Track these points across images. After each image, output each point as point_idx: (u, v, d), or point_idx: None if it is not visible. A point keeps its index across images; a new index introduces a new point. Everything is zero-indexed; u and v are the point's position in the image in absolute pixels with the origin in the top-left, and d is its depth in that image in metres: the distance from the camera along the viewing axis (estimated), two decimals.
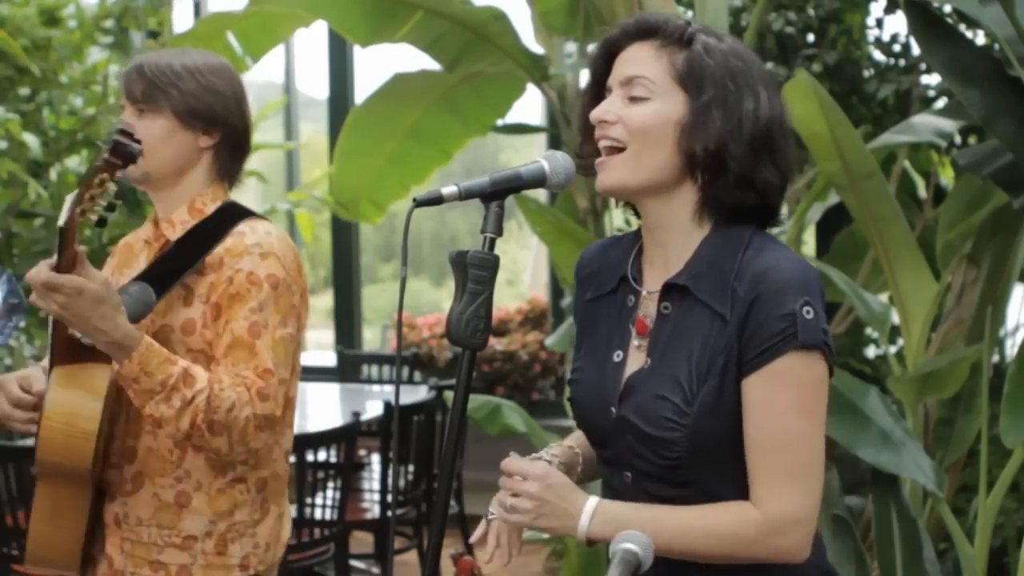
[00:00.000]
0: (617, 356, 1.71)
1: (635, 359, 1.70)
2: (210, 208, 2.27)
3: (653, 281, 1.71)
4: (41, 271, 1.98)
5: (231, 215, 2.27)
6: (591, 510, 1.62)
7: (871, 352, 5.04)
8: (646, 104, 1.64)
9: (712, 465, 1.62)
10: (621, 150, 1.66)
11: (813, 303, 1.58)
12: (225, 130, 2.28)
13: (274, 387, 2.14)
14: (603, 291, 1.77)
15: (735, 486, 1.62)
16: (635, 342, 1.70)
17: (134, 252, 2.36)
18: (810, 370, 1.58)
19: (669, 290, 1.67)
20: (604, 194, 1.71)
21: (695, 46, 1.64)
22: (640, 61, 1.66)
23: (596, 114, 1.67)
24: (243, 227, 2.24)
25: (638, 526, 1.54)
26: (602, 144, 1.68)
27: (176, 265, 2.21)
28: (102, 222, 2.00)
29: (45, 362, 2.34)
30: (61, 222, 1.95)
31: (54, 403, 2.11)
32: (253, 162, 6.03)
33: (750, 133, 1.62)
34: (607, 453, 1.72)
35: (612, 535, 1.53)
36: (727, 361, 1.59)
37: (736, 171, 1.62)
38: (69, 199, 1.99)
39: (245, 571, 2.25)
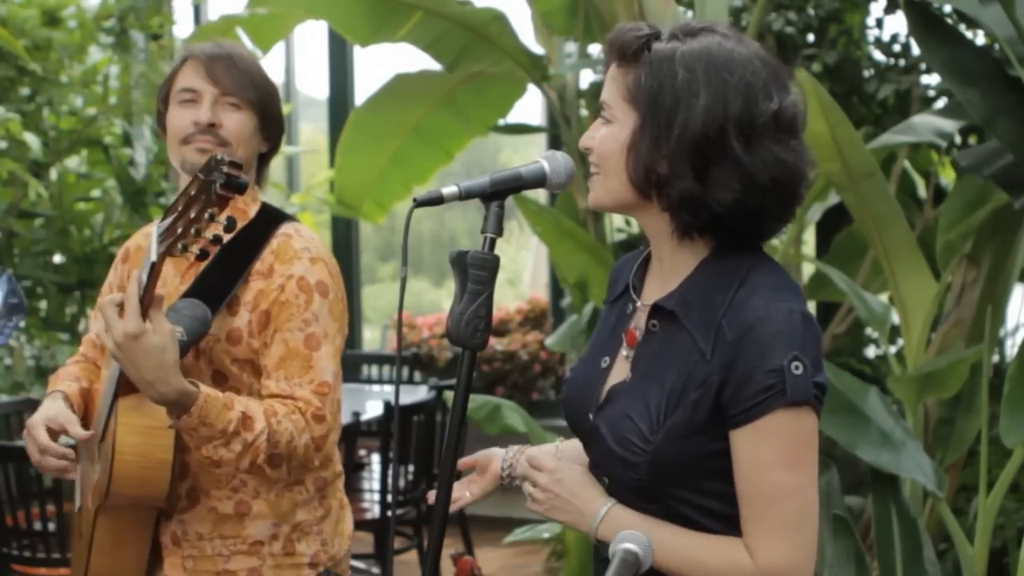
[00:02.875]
0: (604, 362, 1.71)
1: (620, 369, 1.69)
2: (252, 209, 2.22)
3: (649, 293, 1.70)
4: (107, 303, 1.92)
5: (272, 218, 2.22)
6: (602, 514, 1.63)
7: (871, 352, 5.04)
8: (607, 128, 1.63)
9: (673, 490, 1.61)
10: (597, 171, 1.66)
11: (802, 356, 1.53)
12: (278, 139, 2.27)
13: (330, 403, 2.11)
14: (613, 297, 1.78)
15: (698, 510, 1.62)
16: (623, 352, 1.70)
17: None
18: (799, 425, 1.56)
19: (659, 310, 1.65)
20: (593, 208, 1.72)
21: (642, 60, 1.59)
22: (607, 84, 1.64)
23: (580, 143, 1.68)
24: (288, 229, 2.19)
25: None
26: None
27: (227, 277, 2.14)
28: (204, 255, 1.88)
29: (63, 385, 2.26)
30: (154, 257, 1.87)
31: (125, 436, 2.05)
32: None
33: (680, 149, 1.56)
34: (590, 455, 1.73)
35: None
36: (701, 397, 1.57)
37: (675, 194, 1.58)
38: (156, 232, 1.89)
39: (315, 568, 2.22)
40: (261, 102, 2.20)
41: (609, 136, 1.62)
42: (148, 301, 1.90)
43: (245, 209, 2.21)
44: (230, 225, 1.83)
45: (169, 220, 1.88)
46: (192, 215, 1.82)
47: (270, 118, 2.22)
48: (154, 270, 1.88)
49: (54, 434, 2.13)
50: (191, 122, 2.16)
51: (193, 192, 1.84)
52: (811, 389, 1.54)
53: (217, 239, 1.85)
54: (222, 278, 2.14)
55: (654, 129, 1.57)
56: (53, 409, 2.16)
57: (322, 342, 2.12)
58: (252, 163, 2.24)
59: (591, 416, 1.68)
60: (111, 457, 2.05)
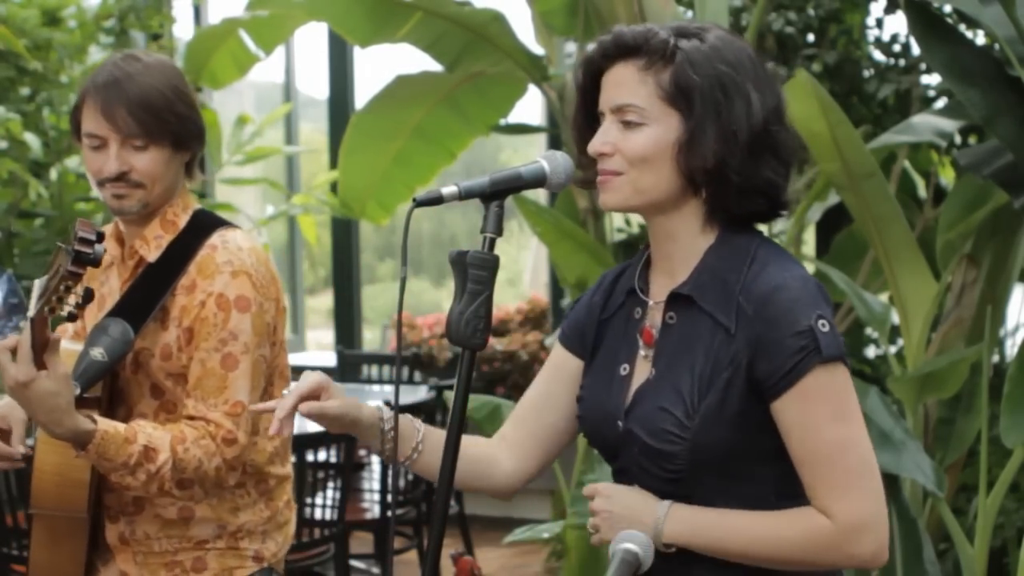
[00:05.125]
0: (624, 369, 1.71)
1: (641, 370, 1.69)
2: (183, 220, 2.20)
3: (659, 291, 1.71)
4: (1, 348, 1.93)
5: (203, 227, 2.20)
6: (663, 514, 1.62)
7: (871, 352, 5.04)
8: (641, 131, 1.62)
9: (713, 479, 1.62)
10: (620, 173, 1.65)
11: (826, 316, 1.58)
12: (200, 141, 2.22)
13: (243, 422, 2.12)
14: (614, 308, 1.77)
15: (737, 501, 1.62)
16: (642, 352, 1.70)
17: (101, 264, 2.27)
18: (838, 380, 1.59)
19: (674, 300, 1.66)
20: (608, 210, 1.70)
21: (678, 60, 1.61)
22: (627, 86, 1.63)
23: (593, 147, 1.65)
24: (215, 240, 2.17)
25: (712, 531, 1.59)
26: (602, 174, 1.67)
27: (153, 291, 2.15)
28: (72, 317, 1.95)
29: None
30: (31, 314, 1.91)
31: (43, 455, 2.09)
32: (256, 164, 6.05)
33: (746, 141, 1.60)
34: (616, 465, 1.73)
35: (690, 538, 1.58)
36: (732, 376, 1.59)
37: (738, 182, 1.61)
38: (37, 287, 1.93)
39: (259, 562, 2.26)
40: (168, 131, 2.13)
41: (648, 138, 1.62)
42: (41, 347, 1.93)
43: (175, 220, 2.19)
44: (87, 297, 1.93)
45: (45, 279, 1.93)
46: (55, 282, 1.90)
47: (183, 136, 2.16)
48: (34, 324, 1.91)
49: (4, 434, 2.15)
50: (101, 169, 2.14)
51: (57, 259, 1.92)
52: (841, 345, 1.59)
53: (79, 306, 1.93)
54: (149, 293, 2.15)
55: (712, 124, 1.60)
56: (5, 409, 2.18)
57: (240, 360, 2.12)
58: (178, 182, 2.20)
59: (620, 423, 1.68)
60: (31, 475, 2.08)
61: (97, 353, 2.06)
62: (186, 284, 2.15)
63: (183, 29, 6.19)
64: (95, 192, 5.67)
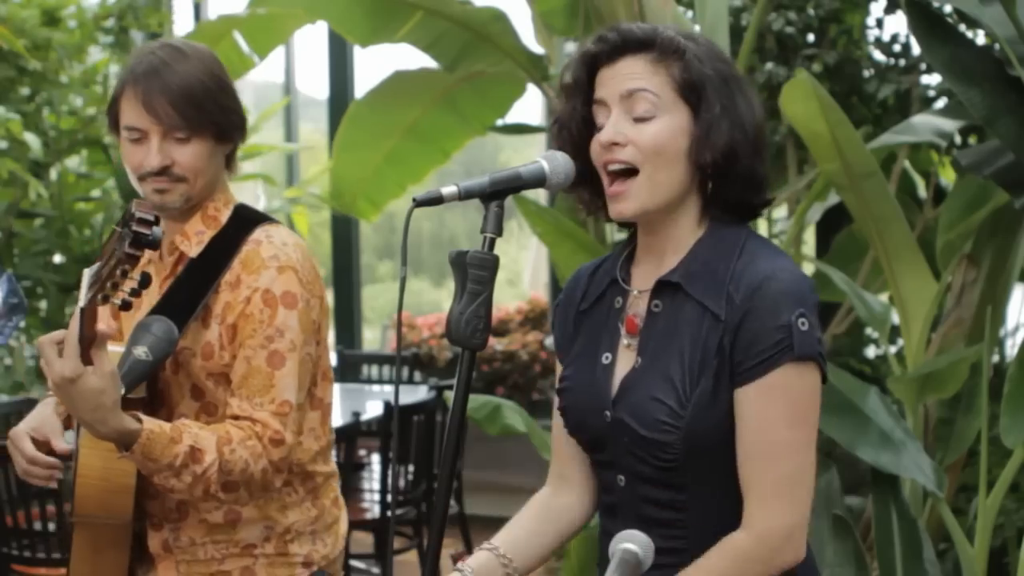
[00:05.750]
0: (606, 358, 1.72)
1: (625, 359, 1.70)
2: (224, 215, 2.14)
3: (643, 281, 1.72)
4: (46, 341, 1.87)
5: (245, 222, 2.15)
6: None
7: (871, 352, 5.04)
8: (653, 123, 1.64)
9: (706, 467, 1.63)
10: (632, 172, 1.65)
11: (808, 314, 1.59)
12: (242, 132, 2.17)
13: (291, 422, 2.06)
14: (592, 299, 1.78)
15: (727, 490, 1.63)
16: (624, 341, 1.71)
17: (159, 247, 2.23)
18: (804, 381, 1.60)
19: (661, 288, 1.68)
20: (621, 220, 1.70)
21: (688, 56, 1.64)
22: (638, 75, 1.65)
23: (606, 137, 1.65)
24: (259, 235, 2.12)
25: None
26: (612, 168, 1.66)
27: (196, 288, 2.09)
28: (127, 305, 1.87)
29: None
30: (82, 304, 1.84)
31: (88, 459, 2.02)
32: (254, 163, 6.06)
33: (752, 134, 1.65)
34: (601, 456, 1.72)
35: None
36: (720, 362, 1.61)
37: (744, 173, 1.65)
38: (87, 277, 1.86)
39: (308, 567, 2.20)
40: (210, 121, 2.08)
41: (662, 129, 1.64)
42: (89, 342, 1.86)
43: (216, 216, 2.15)
44: (144, 282, 1.83)
45: (97, 267, 1.86)
46: (110, 267, 1.81)
47: (226, 127, 2.11)
48: (84, 315, 1.84)
49: (39, 444, 2.09)
50: (141, 163, 2.08)
51: (112, 244, 1.83)
52: (816, 345, 1.60)
53: (135, 292, 1.84)
54: (192, 290, 2.09)
55: (724, 116, 1.63)
56: (39, 418, 2.13)
57: (287, 358, 2.06)
58: (219, 175, 2.16)
59: (608, 413, 1.68)
60: (74, 480, 2.03)
61: (141, 352, 1.99)
62: (230, 280, 2.09)
63: (183, 28, 6.19)
64: (96, 192, 5.69)
